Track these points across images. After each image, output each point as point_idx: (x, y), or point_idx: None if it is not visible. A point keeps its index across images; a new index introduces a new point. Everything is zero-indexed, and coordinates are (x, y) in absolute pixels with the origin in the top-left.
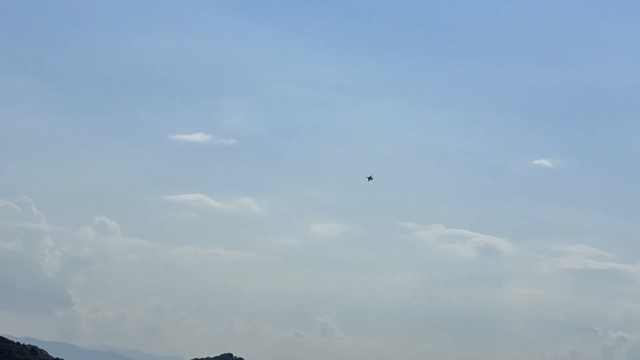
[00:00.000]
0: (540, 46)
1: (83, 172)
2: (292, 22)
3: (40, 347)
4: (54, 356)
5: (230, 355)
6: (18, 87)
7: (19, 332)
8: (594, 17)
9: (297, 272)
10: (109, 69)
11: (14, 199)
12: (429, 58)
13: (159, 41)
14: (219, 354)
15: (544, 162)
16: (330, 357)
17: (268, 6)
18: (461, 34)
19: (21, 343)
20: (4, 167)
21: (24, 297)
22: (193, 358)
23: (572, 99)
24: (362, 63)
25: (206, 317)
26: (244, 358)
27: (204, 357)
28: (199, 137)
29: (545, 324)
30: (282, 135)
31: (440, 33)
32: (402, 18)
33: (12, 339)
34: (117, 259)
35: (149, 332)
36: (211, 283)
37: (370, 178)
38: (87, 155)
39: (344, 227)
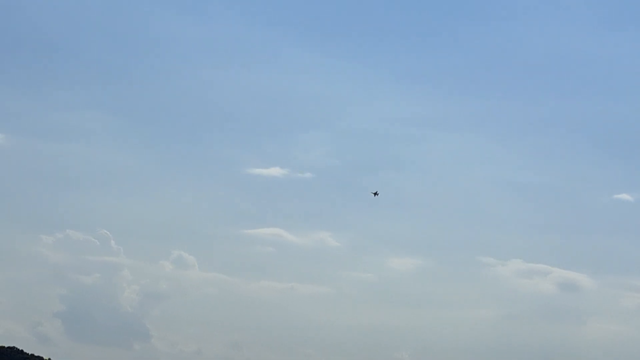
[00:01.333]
0: (618, 79)
1: (160, 206)
2: (369, 56)
3: None
4: None
5: None
6: (96, 122)
7: None
8: None
9: (373, 307)
10: (187, 103)
11: (93, 232)
12: (506, 91)
13: (235, 75)
14: None
15: (625, 196)
16: None
17: (344, 40)
18: (538, 67)
19: None
20: (83, 201)
21: (102, 331)
22: None
23: None
24: (438, 97)
25: (282, 352)
26: None
27: None
28: (275, 171)
29: None
30: (359, 169)
31: (516, 67)
32: (479, 52)
33: None
34: (194, 293)
35: None
36: (287, 317)
37: (375, 193)
38: (164, 190)
39: (421, 262)
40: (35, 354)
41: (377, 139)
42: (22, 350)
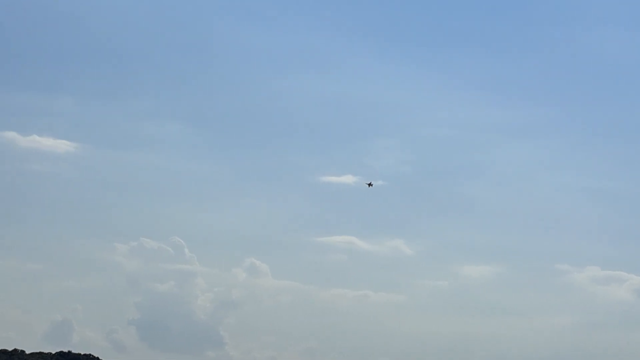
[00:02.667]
0: None
1: (233, 214)
2: (442, 62)
3: None
4: None
5: None
6: (171, 131)
7: None
8: None
9: (447, 315)
10: (261, 111)
11: (167, 241)
12: (582, 97)
13: (308, 83)
14: None
15: None
16: None
17: (417, 47)
18: (616, 73)
19: None
20: (157, 209)
21: (177, 338)
22: None
23: None
24: (513, 102)
25: (356, 359)
26: None
27: None
28: (347, 178)
29: None
30: (432, 176)
31: (593, 72)
32: (554, 58)
33: None
34: (268, 301)
35: None
36: (361, 325)
37: (370, 184)
38: (237, 198)
39: (496, 269)
40: None
41: (450, 145)
42: (98, 358)
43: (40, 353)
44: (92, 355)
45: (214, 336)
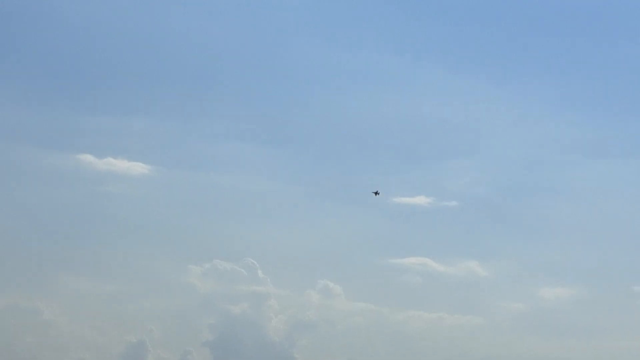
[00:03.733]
0: None
1: (306, 235)
2: (516, 80)
3: None
4: None
5: None
6: (244, 152)
7: None
8: None
9: (524, 338)
10: (333, 131)
11: (240, 262)
12: None
13: (380, 103)
14: None
15: None
16: None
17: (492, 65)
18: None
19: None
20: (230, 231)
21: None
22: None
23: None
24: (590, 121)
25: None
26: None
27: None
28: (420, 199)
29: None
30: (508, 196)
31: None
32: (636, 75)
33: None
34: (342, 323)
35: None
36: (436, 347)
37: (377, 193)
38: (310, 218)
39: (574, 291)
40: None
41: (526, 164)
42: None
43: None
44: None
45: (288, 358)
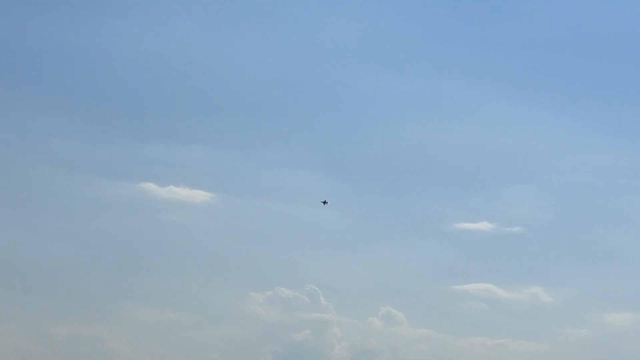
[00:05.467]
0: None
1: (368, 262)
2: (578, 107)
3: None
4: None
5: None
6: (304, 180)
7: None
8: None
9: None
10: (393, 159)
11: (302, 289)
12: None
13: (441, 130)
14: None
15: None
16: None
17: (552, 91)
18: None
19: None
20: (292, 258)
21: None
22: None
23: None
24: None
25: None
26: None
27: None
28: (483, 225)
29: None
30: (571, 223)
31: None
32: None
33: None
34: (404, 350)
35: None
36: None
37: (325, 202)
38: (371, 245)
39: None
40: None
41: (588, 191)
42: None
43: None
44: None
45: None
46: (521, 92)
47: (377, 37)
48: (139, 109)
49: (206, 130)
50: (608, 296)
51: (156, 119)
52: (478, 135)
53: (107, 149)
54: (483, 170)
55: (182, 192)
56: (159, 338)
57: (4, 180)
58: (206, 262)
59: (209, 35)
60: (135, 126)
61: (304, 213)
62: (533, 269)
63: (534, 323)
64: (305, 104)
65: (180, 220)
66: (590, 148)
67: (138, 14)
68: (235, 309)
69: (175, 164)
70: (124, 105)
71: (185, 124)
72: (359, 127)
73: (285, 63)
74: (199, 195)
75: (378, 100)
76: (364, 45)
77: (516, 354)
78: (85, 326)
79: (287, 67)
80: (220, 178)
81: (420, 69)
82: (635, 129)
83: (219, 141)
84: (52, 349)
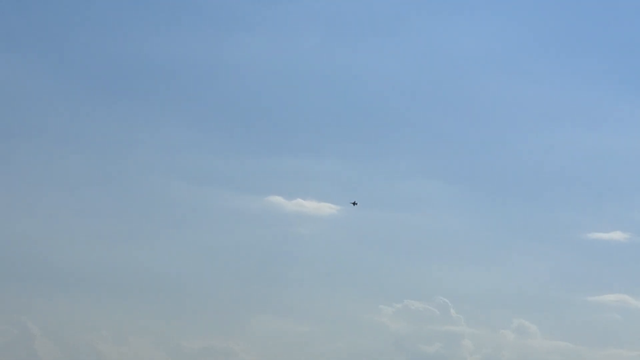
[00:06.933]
0: None
1: (499, 273)
2: None
3: None
4: None
5: None
6: (431, 190)
7: None
8: None
9: None
10: (523, 167)
11: (432, 301)
12: None
13: (573, 136)
14: None
15: None
16: None
17: None
18: None
19: None
20: (421, 270)
21: None
22: None
23: None
24: None
25: None
26: None
27: None
28: (616, 235)
29: None
30: None
31: None
32: None
33: None
34: None
35: None
36: None
37: (354, 203)
38: (502, 256)
39: None
40: None
41: None
42: None
43: None
44: None
45: None
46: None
47: (501, 43)
48: (266, 123)
49: (333, 143)
50: None
51: (283, 132)
52: (610, 143)
53: (235, 163)
54: (616, 178)
55: (310, 205)
56: (290, 350)
57: (136, 194)
58: (335, 274)
59: (334, 48)
60: (262, 140)
61: (433, 223)
62: None
63: None
64: (432, 113)
65: (308, 232)
66: None
67: (265, 27)
68: (365, 322)
69: (302, 177)
70: (250, 120)
71: (311, 137)
72: (488, 135)
73: (410, 73)
74: (326, 208)
75: (506, 107)
76: (490, 52)
77: None
78: (217, 339)
79: (413, 76)
80: (347, 190)
81: (548, 75)
82: None
83: (346, 153)
84: None
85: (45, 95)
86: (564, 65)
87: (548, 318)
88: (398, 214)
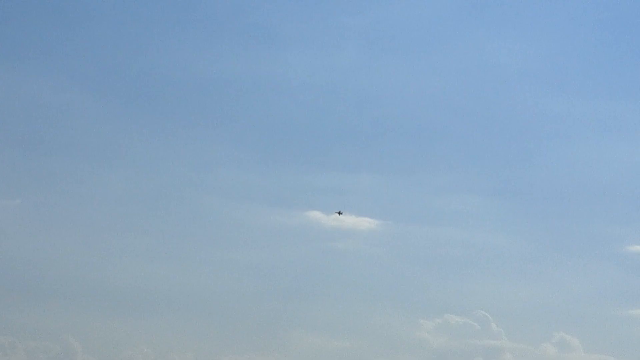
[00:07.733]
0: None
1: (539, 287)
2: None
3: None
4: None
5: None
6: (470, 205)
7: None
8: None
9: None
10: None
11: (472, 315)
12: None
13: (611, 151)
14: None
15: None
16: None
17: None
18: None
19: None
20: (461, 284)
21: None
22: None
23: None
24: None
25: None
26: None
27: None
28: None
29: None
30: None
31: None
32: None
33: None
34: None
35: None
36: None
37: (339, 213)
38: (542, 269)
39: None
40: None
41: None
42: None
43: None
44: None
45: None
46: None
47: (543, 59)
48: (304, 138)
49: (371, 158)
50: None
51: (322, 147)
52: None
53: (274, 178)
54: None
55: (349, 220)
56: None
57: (176, 212)
58: (374, 289)
59: (371, 63)
60: (300, 155)
61: (472, 238)
62: None
63: None
64: (471, 128)
65: (347, 247)
66: None
67: (303, 43)
68: (405, 336)
69: (340, 191)
70: (290, 135)
71: (350, 152)
72: (527, 149)
73: (450, 87)
74: (365, 223)
75: (546, 122)
76: (531, 67)
77: None
78: (257, 355)
79: (453, 91)
80: (386, 205)
81: (588, 89)
82: None
83: (385, 168)
84: None
85: (86, 112)
86: (605, 80)
87: (589, 332)
88: (437, 228)
